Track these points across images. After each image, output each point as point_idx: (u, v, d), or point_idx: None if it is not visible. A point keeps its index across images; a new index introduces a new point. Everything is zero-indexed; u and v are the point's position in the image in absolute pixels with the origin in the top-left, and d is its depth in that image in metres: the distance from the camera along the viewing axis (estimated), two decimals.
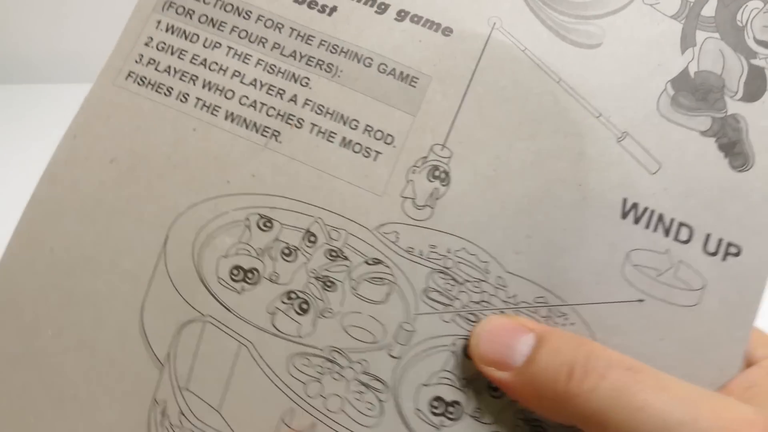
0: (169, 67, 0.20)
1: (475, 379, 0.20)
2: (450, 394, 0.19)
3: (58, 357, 0.19)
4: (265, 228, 0.20)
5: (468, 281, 0.20)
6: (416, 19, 0.21)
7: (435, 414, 0.19)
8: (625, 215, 0.20)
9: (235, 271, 0.19)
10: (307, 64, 0.20)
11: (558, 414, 0.18)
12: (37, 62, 0.49)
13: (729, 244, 0.20)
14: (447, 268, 0.20)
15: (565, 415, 0.17)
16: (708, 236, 0.20)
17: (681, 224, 0.20)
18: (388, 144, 0.20)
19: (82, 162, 0.21)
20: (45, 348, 0.19)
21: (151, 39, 0.20)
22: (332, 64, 0.20)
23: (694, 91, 0.21)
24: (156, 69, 0.20)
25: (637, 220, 0.20)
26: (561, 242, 0.20)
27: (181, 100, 0.20)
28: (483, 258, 0.20)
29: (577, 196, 0.20)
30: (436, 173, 0.20)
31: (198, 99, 0.20)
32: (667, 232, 0.20)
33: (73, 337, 0.20)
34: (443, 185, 0.20)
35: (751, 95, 0.21)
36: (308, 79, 0.20)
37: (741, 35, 0.22)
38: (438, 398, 0.19)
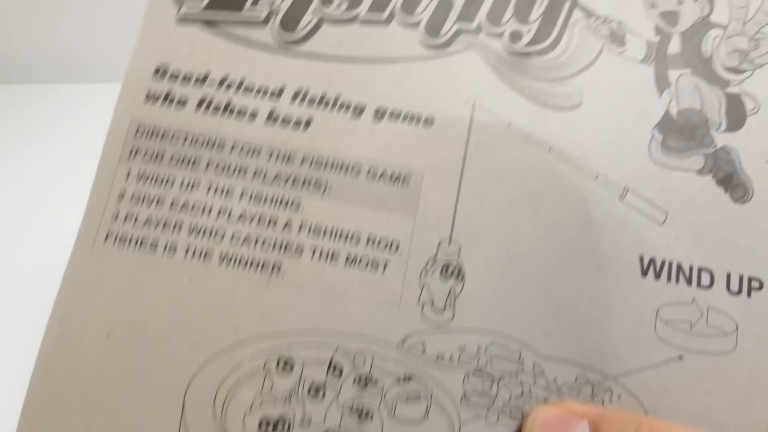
0: (149, 218, 0.14)
1: None
2: None
3: None
4: (285, 370, 0.14)
5: (505, 376, 0.14)
6: (395, 116, 0.15)
7: None
8: (645, 273, 0.15)
9: (264, 425, 0.13)
10: (293, 185, 0.15)
11: None
12: (37, 62, 0.42)
13: (750, 279, 0.15)
14: (481, 367, 0.14)
15: None
16: (728, 275, 0.15)
17: (700, 269, 0.15)
18: (394, 251, 0.14)
19: (75, 344, 0.17)
20: None
21: (124, 192, 0.14)
22: (320, 181, 0.15)
23: (680, 132, 0.16)
24: (135, 224, 0.14)
25: (657, 275, 0.15)
26: (588, 315, 0.15)
27: (169, 253, 0.14)
28: (514, 347, 0.14)
29: (594, 263, 0.15)
30: (449, 271, 0.14)
31: (187, 248, 0.14)
32: (689, 281, 0.15)
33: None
34: (458, 282, 0.14)
35: (734, 124, 0.16)
36: (298, 201, 0.14)
37: (710, 66, 0.17)
38: None
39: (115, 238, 0.17)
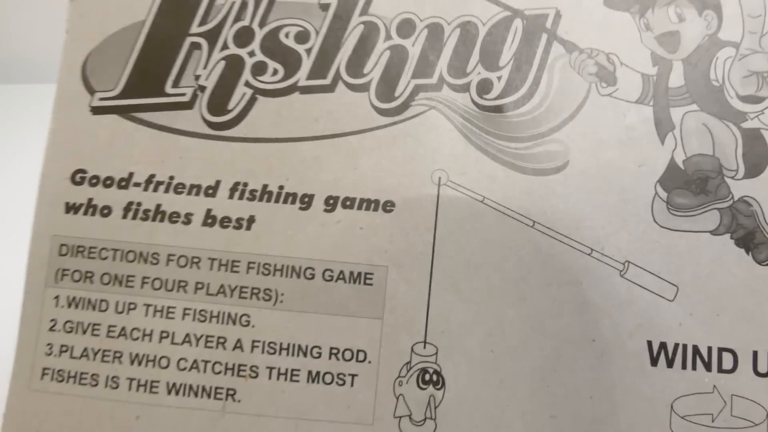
0: (86, 350, 0.13)
1: None
2: None
3: None
4: None
5: None
6: (348, 203, 0.13)
7: None
8: (655, 361, 0.13)
9: None
10: (240, 297, 0.13)
11: None
12: (37, 62, 0.42)
13: None
14: None
15: None
16: (755, 354, 0.13)
17: (721, 350, 0.13)
18: (362, 361, 0.13)
19: None
20: None
21: (55, 321, 0.13)
22: (270, 289, 0.13)
23: (689, 186, 0.14)
24: (72, 356, 0.13)
25: (670, 363, 0.13)
26: (592, 413, 0.13)
27: (111, 387, 0.13)
28: None
29: (594, 354, 0.13)
30: (426, 377, 0.13)
31: (130, 379, 0.13)
32: (708, 366, 0.13)
33: None
34: (438, 389, 0.13)
35: (754, 168, 0.14)
36: (248, 315, 0.13)
37: (721, 97, 0.14)
38: None
39: (52, 374, 0.15)
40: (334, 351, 0.15)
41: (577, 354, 0.15)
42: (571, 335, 0.15)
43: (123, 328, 0.16)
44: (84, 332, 0.16)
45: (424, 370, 0.15)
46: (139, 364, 0.15)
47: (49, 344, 0.16)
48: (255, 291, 0.16)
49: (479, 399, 0.15)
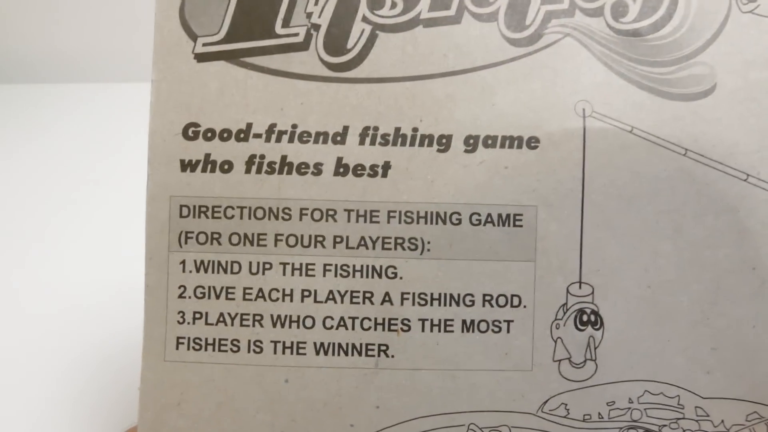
0: (222, 315, 0.13)
1: None
2: None
3: None
4: None
5: (664, 426, 0.13)
6: (490, 142, 0.14)
7: None
8: None
9: None
10: (384, 248, 0.13)
11: None
12: (37, 62, 0.45)
13: None
14: (636, 420, 0.13)
15: None
16: None
17: None
18: (517, 307, 0.13)
19: None
20: None
21: (184, 288, 0.13)
22: (414, 239, 0.13)
23: None
24: (207, 323, 0.13)
25: None
26: (755, 343, 0.14)
27: (254, 351, 0.13)
28: (671, 393, 0.13)
29: (755, 282, 0.14)
30: (584, 318, 0.13)
31: (274, 342, 0.13)
32: None
33: None
34: (596, 329, 0.13)
35: None
36: (394, 267, 0.13)
37: None
38: None
39: (187, 343, 0.15)
40: (488, 298, 0.16)
41: (738, 284, 0.16)
42: (730, 265, 0.16)
43: (260, 290, 0.16)
44: (218, 297, 0.16)
45: (581, 311, 0.16)
46: (282, 325, 0.16)
47: (180, 312, 0.16)
48: (399, 241, 0.16)
49: (639, 337, 0.16)
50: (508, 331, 0.16)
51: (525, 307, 0.16)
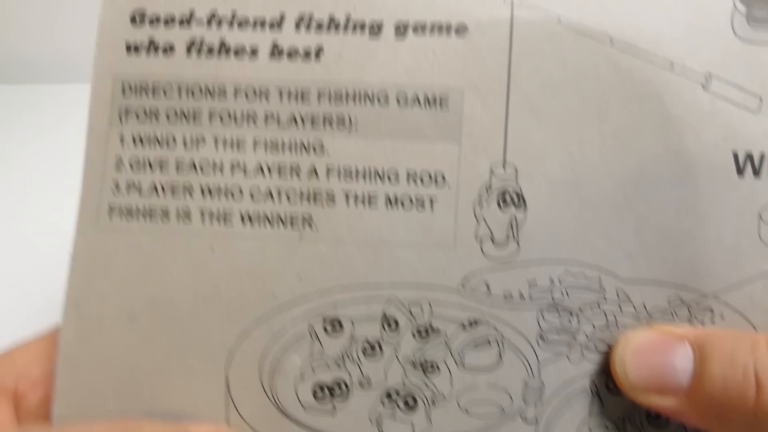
0: (154, 185, 0.16)
1: (630, 413, 0.18)
2: None
3: None
4: (334, 331, 0.15)
5: (585, 307, 0.15)
6: (420, 29, 0.16)
7: None
8: (741, 171, 0.16)
9: (319, 391, 0.15)
10: (313, 126, 0.16)
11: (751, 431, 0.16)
12: (37, 62, 0.48)
13: None
14: (556, 301, 0.15)
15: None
16: None
17: None
18: (441, 185, 0.15)
19: (96, 333, 0.19)
20: None
21: (120, 160, 0.16)
22: (342, 116, 0.16)
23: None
24: (140, 194, 0.16)
25: (757, 172, 0.16)
26: (677, 227, 0.16)
27: (183, 220, 0.16)
28: (592, 275, 0.16)
29: (679, 168, 0.16)
30: (507, 198, 0.15)
31: (202, 212, 0.16)
32: None
33: None
34: (520, 209, 0.16)
35: None
36: (321, 142, 0.15)
37: None
38: None
39: (120, 212, 0.18)
40: (412, 175, 0.18)
41: (661, 169, 0.18)
42: (654, 151, 0.18)
43: (192, 162, 0.18)
44: (151, 168, 0.18)
45: (504, 192, 0.18)
46: (211, 196, 0.18)
47: (115, 183, 0.18)
48: (328, 118, 0.18)
49: (561, 219, 0.18)
50: (432, 209, 0.18)
51: (449, 185, 0.18)
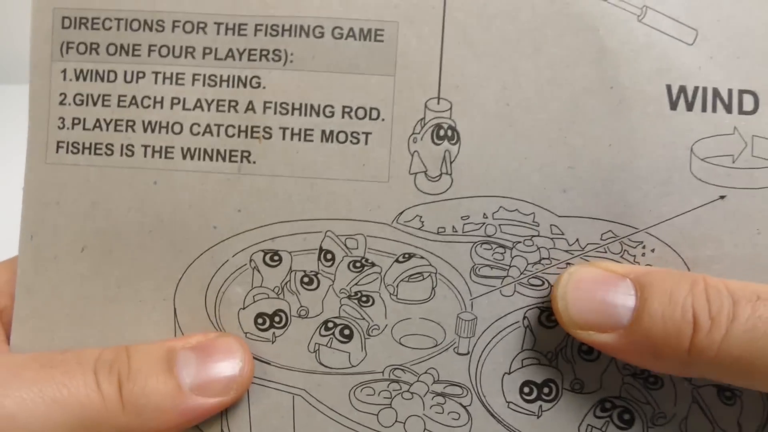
0: (98, 120, 0.17)
1: (563, 347, 0.19)
2: (539, 374, 0.17)
3: None
4: (273, 263, 0.16)
5: (518, 242, 0.16)
6: None
7: (529, 401, 0.16)
8: (674, 104, 0.16)
9: (260, 320, 0.16)
10: (249, 60, 0.16)
11: (685, 370, 0.17)
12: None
13: None
14: (489, 236, 0.16)
15: (695, 371, 0.17)
16: None
17: (741, 92, 0.16)
18: (375, 119, 0.16)
19: (51, 263, 0.20)
20: None
21: (64, 95, 0.17)
22: (279, 50, 0.16)
23: None
24: (84, 128, 0.17)
25: (689, 106, 0.16)
26: (611, 161, 0.16)
27: (127, 155, 0.17)
28: (526, 210, 0.16)
29: (613, 101, 0.16)
30: (441, 133, 0.16)
31: (145, 146, 0.17)
32: (728, 108, 0.16)
33: None
34: (453, 144, 0.16)
35: None
36: (258, 77, 0.16)
37: None
38: (527, 383, 0.16)
39: (66, 147, 0.19)
40: (347, 109, 0.19)
41: (595, 102, 0.18)
42: (589, 84, 0.18)
43: (133, 97, 0.19)
44: (94, 104, 0.19)
45: (439, 126, 0.18)
46: (153, 131, 0.19)
47: (60, 118, 0.19)
48: (264, 53, 0.19)
49: (495, 153, 0.18)
50: (366, 143, 0.19)
51: (383, 120, 0.19)
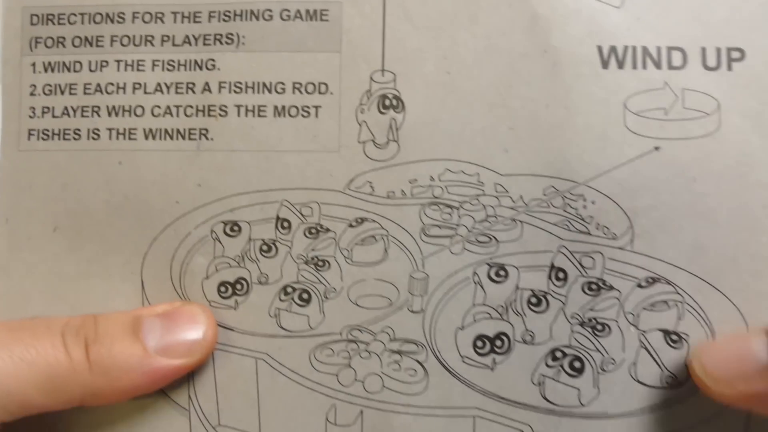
0: (66, 108, 0.18)
1: (512, 301, 0.20)
2: (491, 327, 0.18)
3: None
4: (233, 233, 0.18)
5: (465, 202, 0.17)
6: None
7: (483, 354, 0.17)
8: (606, 64, 0.17)
9: (223, 288, 0.17)
10: (204, 44, 0.18)
11: None
12: None
13: (729, 50, 0.17)
14: (437, 197, 0.17)
15: None
16: (703, 50, 0.17)
17: (670, 49, 0.17)
18: (324, 93, 0.17)
19: (25, 243, 0.21)
20: None
21: (34, 86, 0.18)
22: (231, 34, 0.18)
23: None
24: (53, 116, 0.18)
25: (621, 64, 0.17)
26: (548, 120, 0.18)
27: (93, 138, 0.18)
28: (470, 171, 0.17)
29: (547, 64, 0.17)
30: (387, 102, 0.17)
31: (109, 129, 0.18)
32: (658, 64, 0.17)
33: (84, 420, 0.20)
34: (398, 112, 0.17)
35: None
36: (213, 60, 0.18)
37: None
38: (480, 337, 0.17)
39: (38, 134, 0.20)
40: (297, 85, 0.20)
41: (531, 66, 0.19)
42: (523, 49, 0.19)
43: (98, 85, 0.20)
44: (62, 93, 0.21)
45: (384, 96, 0.20)
46: (117, 115, 0.20)
47: (31, 108, 0.21)
48: (218, 37, 0.20)
49: (439, 119, 0.20)
50: (317, 116, 0.20)
51: (332, 93, 0.20)
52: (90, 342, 0.18)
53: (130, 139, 0.21)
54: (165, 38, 0.21)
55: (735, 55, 0.20)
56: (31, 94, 0.22)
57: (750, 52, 0.20)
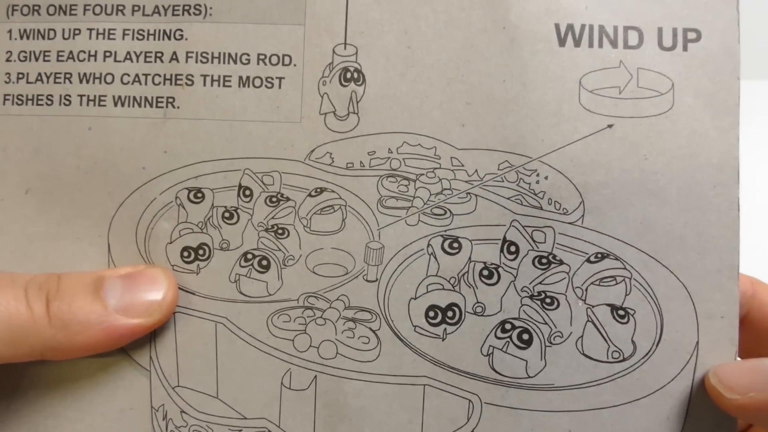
0: (40, 74, 0.19)
1: (465, 272, 0.21)
2: (443, 298, 0.18)
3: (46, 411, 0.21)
4: (197, 200, 0.19)
5: (421, 175, 0.18)
6: None
7: (434, 324, 0.18)
8: (562, 42, 0.18)
9: (186, 253, 0.18)
10: (173, 14, 0.19)
11: None
12: None
13: (686, 31, 0.18)
14: (394, 169, 0.18)
15: None
16: (660, 30, 0.18)
17: (626, 28, 0.18)
18: (288, 65, 0.18)
19: None
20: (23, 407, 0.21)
21: (10, 53, 0.19)
22: (199, 5, 0.19)
23: None
24: (28, 81, 0.19)
25: (577, 43, 0.18)
26: (505, 96, 0.18)
27: (64, 104, 0.19)
28: (428, 145, 0.18)
29: (505, 40, 0.18)
30: (348, 75, 0.18)
31: (80, 96, 0.19)
32: (614, 43, 0.18)
33: (47, 376, 0.21)
34: (359, 85, 0.18)
35: None
36: (181, 30, 0.19)
37: None
38: (432, 307, 0.18)
39: (12, 99, 0.22)
40: (262, 57, 0.21)
41: (489, 42, 0.20)
42: (482, 25, 0.20)
43: (71, 52, 0.22)
44: (36, 59, 0.22)
45: (346, 69, 0.21)
46: (88, 81, 0.21)
47: (7, 73, 0.22)
48: (186, 7, 0.21)
49: (398, 92, 0.21)
50: (280, 87, 0.21)
51: (295, 65, 0.21)
52: (51, 297, 0.20)
53: (100, 105, 0.22)
54: (135, 8, 0.22)
55: (691, 35, 0.21)
56: (7, 60, 0.23)
57: (706, 33, 0.21)
